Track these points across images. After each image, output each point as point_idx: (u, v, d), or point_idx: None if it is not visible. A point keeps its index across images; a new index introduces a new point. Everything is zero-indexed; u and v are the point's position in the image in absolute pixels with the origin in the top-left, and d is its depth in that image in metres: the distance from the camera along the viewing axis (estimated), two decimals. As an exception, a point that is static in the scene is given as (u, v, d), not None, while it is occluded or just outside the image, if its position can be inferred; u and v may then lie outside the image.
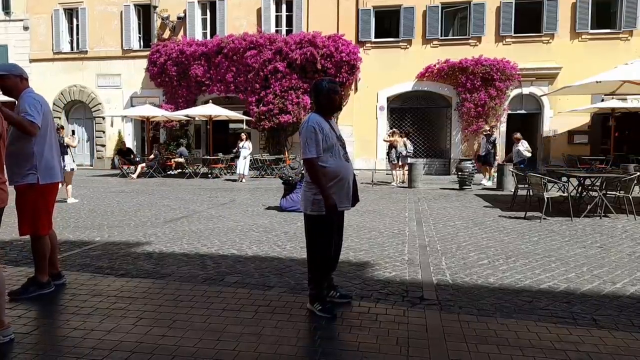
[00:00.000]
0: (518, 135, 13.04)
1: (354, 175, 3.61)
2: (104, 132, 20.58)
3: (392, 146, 13.63)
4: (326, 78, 3.56)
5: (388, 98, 18.23)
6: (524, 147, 12.77)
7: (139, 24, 20.34)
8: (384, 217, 8.01)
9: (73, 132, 16.17)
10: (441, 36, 17.67)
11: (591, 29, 16.75)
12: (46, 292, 3.86)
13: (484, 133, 14.45)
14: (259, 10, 18.70)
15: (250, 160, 15.51)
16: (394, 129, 15.22)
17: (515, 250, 5.61)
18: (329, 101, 3.44)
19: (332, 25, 17.96)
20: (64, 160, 9.63)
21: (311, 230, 3.49)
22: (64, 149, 9.99)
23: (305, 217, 3.51)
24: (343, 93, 17.96)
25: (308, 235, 3.54)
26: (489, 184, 13.40)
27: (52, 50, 20.68)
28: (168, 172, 17.10)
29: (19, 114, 3.63)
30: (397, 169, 13.68)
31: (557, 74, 16.65)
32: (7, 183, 3.20)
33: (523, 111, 17.64)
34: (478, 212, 8.56)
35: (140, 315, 3.43)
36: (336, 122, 3.56)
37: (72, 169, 10.22)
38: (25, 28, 20.91)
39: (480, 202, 10.04)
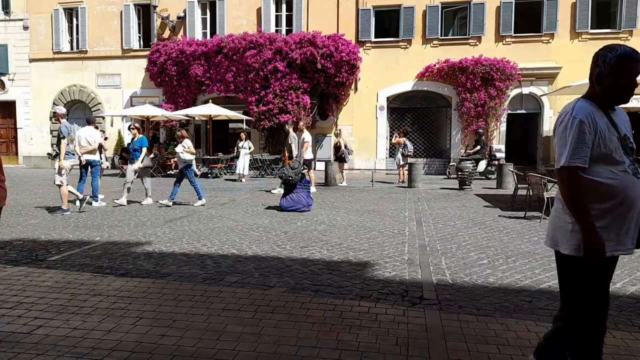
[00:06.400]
0: (182, 132, 9.82)
1: None
2: (103, 131, 20.55)
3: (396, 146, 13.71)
4: (622, 45, 2.12)
5: (388, 98, 18.23)
6: (182, 148, 9.32)
7: (139, 24, 20.34)
8: (384, 217, 8.01)
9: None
10: (441, 36, 17.67)
11: (591, 28, 16.75)
12: None
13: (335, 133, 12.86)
14: (258, 10, 18.70)
15: (250, 160, 15.51)
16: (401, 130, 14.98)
17: (515, 250, 5.62)
18: (619, 80, 2.05)
19: (332, 25, 17.96)
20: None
21: (568, 277, 2.24)
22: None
23: (558, 257, 2.26)
24: (343, 93, 17.99)
25: (564, 283, 2.28)
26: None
27: (52, 49, 20.68)
28: (168, 172, 17.09)
29: None
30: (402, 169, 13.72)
31: (557, 73, 16.65)
32: (6, 182, 3.19)
33: (523, 111, 17.64)
34: (478, 212, 8.56)
35: (140, 315, 3.43)
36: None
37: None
38: (25, 28, 20.91)
39: (480, 202, 10.04)
